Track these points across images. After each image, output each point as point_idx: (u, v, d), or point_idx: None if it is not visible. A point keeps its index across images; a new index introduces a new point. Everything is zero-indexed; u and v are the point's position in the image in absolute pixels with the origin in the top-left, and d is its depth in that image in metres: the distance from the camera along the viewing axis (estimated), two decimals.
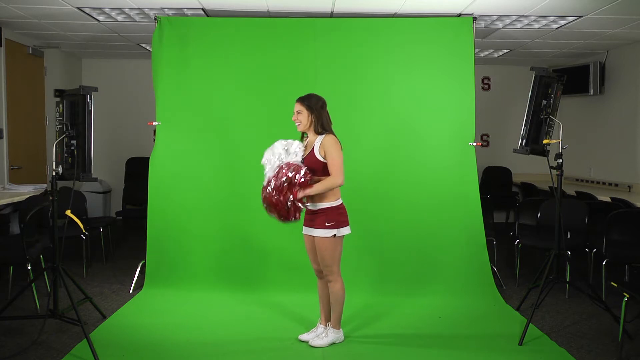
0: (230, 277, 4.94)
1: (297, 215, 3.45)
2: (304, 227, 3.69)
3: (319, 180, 3.51)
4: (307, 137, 3.70)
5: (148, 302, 4.67)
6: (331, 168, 3.51)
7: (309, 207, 3.56)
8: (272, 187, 3.42)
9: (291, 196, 3.39)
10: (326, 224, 3.54)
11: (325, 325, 3.82)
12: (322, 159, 3.54)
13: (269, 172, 3.52)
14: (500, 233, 6.77)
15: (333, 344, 3.74)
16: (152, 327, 4.09)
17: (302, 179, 3.41)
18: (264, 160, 3.58)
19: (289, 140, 3.60)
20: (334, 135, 3.60)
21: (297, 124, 3.63)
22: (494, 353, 3.68)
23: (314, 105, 3.61)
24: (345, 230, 3.60)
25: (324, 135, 3.58)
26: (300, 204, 3.43)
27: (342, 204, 3.62)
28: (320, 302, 3.85)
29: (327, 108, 3.67)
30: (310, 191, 3.45)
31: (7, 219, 5.13)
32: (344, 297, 3.72)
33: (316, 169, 3.53)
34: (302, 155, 3.61)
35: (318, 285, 3.82)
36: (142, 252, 5.11)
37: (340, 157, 3.53)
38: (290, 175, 3.40)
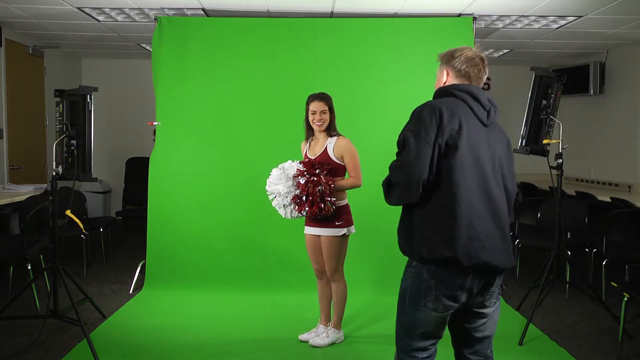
0: (230, 277, 4.94)
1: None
2: (307, 227, 3.69)
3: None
4: (313, 137, 3.70)
5: (148, 302, 4.68)
6: (353, 171, 3.58)
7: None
8: (308, 205, 3.41)
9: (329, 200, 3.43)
10: (336, 223, 3.55)
11: (326, 326, 3.82)
12: (337, 161, 3.56)
13: (283, 200, 3.44)
14: None
15: (333, 344, 3.74)
16: (152, 327, 4.09)
17: (329, 185, 3.43)
18: (270, 192, 3.49)
19: (282, 165, 3.50)
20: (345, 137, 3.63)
21: (319, 123, 3.58)
22: (494, 353, 3.67)
23: (332, 105, 3.62)
24: (352, 229, 3.62)
25: (336, 138, 3.59)
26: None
27: (347, 203, 3.63)
28: (320, 303, 3.85)
29: None
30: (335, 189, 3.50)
31: (7, 219, 5.14)
32: (346, 297, 3.73)
33: (329, 169, 3.54)
34: (313, 156, 3.60)
35: (318, 285, 3.82)
36: (142, 252, 5.12)
37: (358, 159, 3.59)
38: (319, 189, 3.40)
